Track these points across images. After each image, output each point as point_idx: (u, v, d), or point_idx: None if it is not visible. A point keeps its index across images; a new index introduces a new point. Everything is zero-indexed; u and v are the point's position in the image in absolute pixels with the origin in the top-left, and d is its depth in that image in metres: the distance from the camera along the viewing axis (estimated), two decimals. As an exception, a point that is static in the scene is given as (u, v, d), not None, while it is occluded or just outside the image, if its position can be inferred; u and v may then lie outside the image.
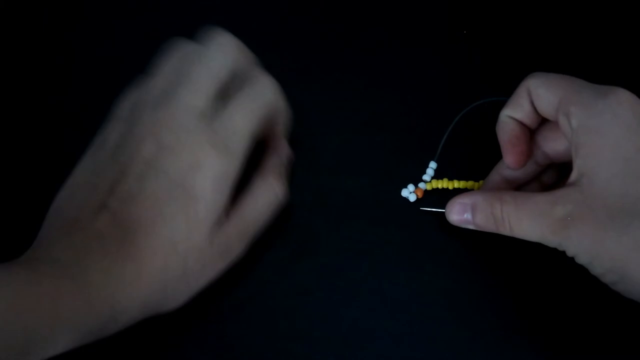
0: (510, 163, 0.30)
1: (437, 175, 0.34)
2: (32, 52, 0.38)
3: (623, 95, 0.26)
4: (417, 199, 0.33)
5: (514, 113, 0.30)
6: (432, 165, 0.34)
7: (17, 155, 0.35)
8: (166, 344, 0.29)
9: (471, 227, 0.29)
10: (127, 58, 0.38)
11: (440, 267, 0.31)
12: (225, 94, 0.29)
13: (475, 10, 0.40)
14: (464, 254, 0.32)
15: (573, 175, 0.27)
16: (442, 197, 0.33)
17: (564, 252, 0.27)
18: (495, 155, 0.32)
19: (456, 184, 0.33)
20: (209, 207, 0.27)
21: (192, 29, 0.31)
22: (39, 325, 0.23)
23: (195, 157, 0.27)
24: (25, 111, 0.36)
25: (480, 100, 0.34)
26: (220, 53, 0.29)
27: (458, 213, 0.29)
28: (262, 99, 0.30)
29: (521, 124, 0.30)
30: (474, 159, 0.34)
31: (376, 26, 0.39)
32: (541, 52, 0.38)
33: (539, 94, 0.29)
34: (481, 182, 0.33)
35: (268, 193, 0.30)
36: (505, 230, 0.28)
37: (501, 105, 0.31)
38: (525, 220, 0.27)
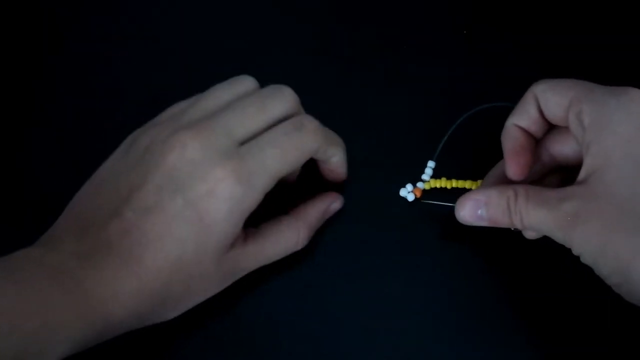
0: (511, 174, 0.30)
1: (436, 175, 0.34)
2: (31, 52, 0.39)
3: (636, 94, 0.26)
4: (416, 199, 0.33)
5: (520, 121, 0.30)
6: (431, 164, 0.34)
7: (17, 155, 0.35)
8: (164, 343, 0.30)
9: (483, 223, 0.29)
10: (127, 57, 0.38)
11: (439, 265, 0.31)
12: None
13: (475, 10, 0.40)
14: (463, 252, 0.32)
15: (582, 174, 0.26)
16: (440, 197, 0.33)
17: (567, 251, 0.26)
18: (492, 156, 0.32)
19: (454, 183, 0.33)
20: (220, 237, 0.27)
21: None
22: (30, 335, 0.22)
23: (215, 183, 0.26)
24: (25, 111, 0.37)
25: (484, 105, 0.34)
26: (277, 99, 0.29)
27: (471, 209, 0.29)
28: (300, 142, 0.29)
29: (527, 132, 0.30)
30: (471, 159, 0.34)
31: (376, 26, 0.39)
32: (542, 52, 0.38)
33: (547, 97, 0.28)
34: (479, 181, 0.33)
35: (292, 239, 0.30)
36: (517, 222, 0.28)
37: (503, 109, 0.30)
38: (534, 213, 0.27)
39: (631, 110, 0.26)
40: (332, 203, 0.32)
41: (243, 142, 0.27)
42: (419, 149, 0.34)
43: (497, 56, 0.38)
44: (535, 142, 0.30)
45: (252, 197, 0.27)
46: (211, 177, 0.26)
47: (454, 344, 0.30)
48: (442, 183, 0.33)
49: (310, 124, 0.29)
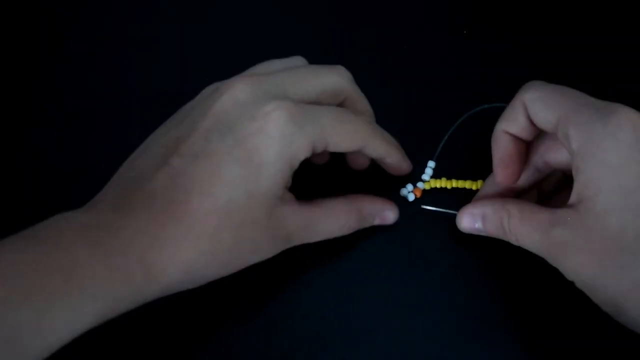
0: (499, 181, 0.30)
1: (436, 175, 0.34)
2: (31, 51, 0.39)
3: (625, 117, 0.24)
4: (416, 199, 0.33)
5: (509, 127, 0.29)
6: (431, 164, 0.34)
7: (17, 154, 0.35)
8: (165, 343, 0.30)
9: (484, 234, 0.30)
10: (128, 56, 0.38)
11: (439, 266, 0.31)
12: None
13: (475, 10, 0.40)
14: (463, 253, 0.32)
15: (573, 198, 0.26)
16: (440, 197, 0.33)
17: None
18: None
19: (454, 183, 0.33)
20: (270, 181, 0.25)
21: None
22: (54, 293, 0.21)
23: (265, 120, 0.25)
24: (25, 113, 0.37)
25: (485, 105, 0.34)
26: (332, 71, 0.29)
27: (469, 222, 0.30)
28: (354, 126, 0.28)
29: (517, 138, 0.29)
30: (472, 159, 0.34)
31: (376, 26, 0.39)
32: (542, 52, 0.38)
33: (535, 111, 0.27)
34: (480, 182, 0.33)
35: (342, 219, 0.29)
36: (512, 241, 0.28)
37: (503, 109, 0.30)
38: (527, 236, 0.27)
39: (619, 138, 0.24)
40: (389, 210, 0.31)
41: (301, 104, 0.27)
42: (419, 149, 0.34)
43: (497, 56, 0.38)
44: (526, 145, 0.30)
45: (302, 144, 0.26)
46: (261, 114, 0.25)
47: (454, 344, 0.29)
48: (442, 183, 0.33)
49: (369, 119, 0.30)
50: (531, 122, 0.28)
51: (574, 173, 0.26)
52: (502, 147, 0.29)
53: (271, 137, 0.25)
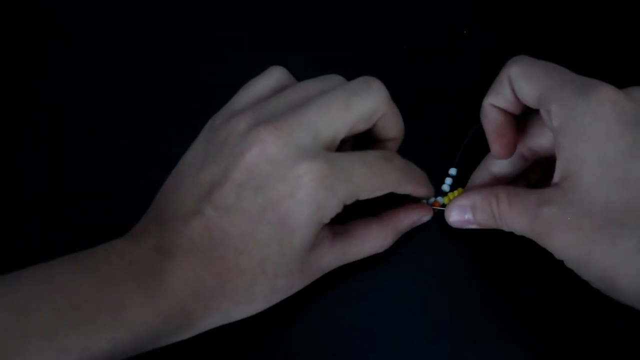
0: (497, 153, 0.30)
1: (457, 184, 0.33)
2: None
3: (605, 93, 0.25)
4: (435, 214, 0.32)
5: (497, 101, 0.29)
6: (452, 172, 0.33)
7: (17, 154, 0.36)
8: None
9: (473, 226, 0.30)
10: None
11: (440, 266, 0.31)
12: (357, 134, 0.28)
13: (475, 10, 0.39)
14: (464, 252, 0.32)
15: (556, 176, 0.26)
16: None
17: None
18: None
19: None
20: (303, 241, 0.26)
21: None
22: (101, 326, 0.22)
23: (296, 183, 0.25)
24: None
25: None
26: (364, 93, 0.27)
27: (459, 214, 0.30)
28: (387, 174, 0.28)
29: (505, 112, 0.29)
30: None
31: (376, 26, 0.39)
32: (541, 53, 0.37)
33: (520, 85, 0.27)
34: None
35: (378, 242, 0.30)
36: (503, 226, 0.28)
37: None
38: (517, 219, 0.27)
39: (599, 114, 0.25)
40: (423, 216, 0.32)
41: (328, 145, 0.26)
42: (427, 158, 0.33)
43: (498, 56, 0.37)
44: (515, 119, 0.30)
45: (333, 205, 0.26)
46: (292, 176, 0.25)
47: (453, 344, 0.29)
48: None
49: (398, 160, 0.29)
50: (517, 97, 0.28)
51: (556, 151, 0.26)
52: (492, 119, 0.29)
53: (303, 204, 0.25)
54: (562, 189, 0.25)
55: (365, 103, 0.27)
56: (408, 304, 0.30)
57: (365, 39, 0.38)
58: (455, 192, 0.32)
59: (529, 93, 0.27)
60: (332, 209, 0.26)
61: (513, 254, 0.31)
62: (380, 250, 0.30)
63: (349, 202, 0.27)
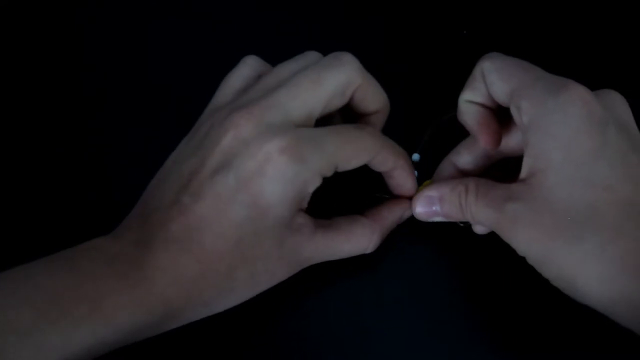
0: (486, 143, 0.29)
1: (422, 174, 0.33)
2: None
3: (575, 93, 0.25)
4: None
5: (473, 97, 0.29)
6: (415, 157, 0.34)
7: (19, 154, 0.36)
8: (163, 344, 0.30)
9: (438, 219, 0.30)
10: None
11: (438, 266, 0.31)
12: (331, 112, 0.28)
13: (475, 10, 0.39)
14: (464, 252, 0.32)
15: (523, 172, 0.26)
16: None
17: None
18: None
19: None
20: (277, 220, 0.26)
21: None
22: (81, 320, 0.22)
23: (265, 160, 0.25)
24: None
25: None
26: (335, 69, 0.27)
27: (425, 206, 0.30)
28: (361, 140, 0.28)
29: (483, 105, 0.29)
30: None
31: (375, 26, 0.39)
32: (541, 52, 0.37)
33: (492, 80, 0.28)
34: None
35: (364, 239, 0.29)
36: (469, 218, 0.28)
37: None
38: (483, 211, 0.27)
39: (569, 113, 0.25)
40: (406, 210, 0.31)
41: (302, 124, 0.26)
42: (415, 151, 0.34)
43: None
44: (493, 113, 0.30)
45: (308, 178, 0.26)
46: (261, 153, 0.25)
47: (453, 344, 0.30)
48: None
49: (373, 130, 0.29)
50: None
51: (524, 148, 0.26)
52: (472, 113, 0.29)
53: (274, 181, 0.25)
54: (527, 186, 0.25)
55: (336, 77, 0.27)
56: (407, 302, 0.31)
57: (364, 39, 0.39)
58: (424, 185, 0.32)
59: (500, 89, 0.27)
60: (309, 182, 0.26)
61: (513, 254, 0.31)
62: (368, 251, 0.30)
63: (327, 173, 0.26)
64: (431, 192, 0.30)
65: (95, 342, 0.23)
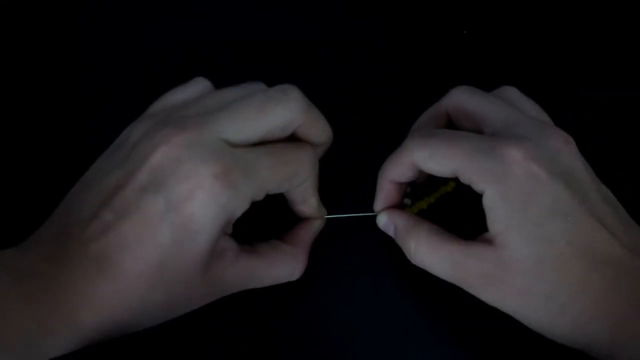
0: (377, 209, 0.31)
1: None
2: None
3: (516, 156, 0.25)
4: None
5: (398, 179, 0.30)
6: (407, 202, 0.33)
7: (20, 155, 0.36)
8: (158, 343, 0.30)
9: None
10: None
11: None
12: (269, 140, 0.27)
13: (475, 10, 0.39)
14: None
15: (488, 233, 0.27)
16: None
17: None
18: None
19: (435, 196, 0.33)
20: (204, 245, 0.25)
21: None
22: None
23: (198, 184, 0.24)
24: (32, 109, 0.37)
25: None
26: (280, 103, 0.26)
27: (386, 226, 0.31)
28: (298, 161, 0.27)
29: (400, 182, 0.30)
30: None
31: (375, 26, 0.39)
32: (541, 52, 0.37)
33: (430, 167, 0.28)
34: (451, 183, 0.33)
35: (289, 266, 0.29)
36: (418, 264, 0.29)
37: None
38: (437, 264, 0.28)
39: (516, 174, 0.25)
40: (316, 221, 0.31)
41: (237, 145, 0.25)
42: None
43: (497, 58, 0.38)
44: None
45: (238, 204, 0.25)
46: (194, 177, 0.24)
47: (453, 344, 0.30)
48: (423, 204, 0.33)
49: (310, 149, 0.28)
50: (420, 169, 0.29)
51: (485, 210, 0.27)
52: (387, 190, 0.30)
53: (206, 206, 0.24)
54: (492, 246, 0.26)
55: (280, 112, 0.26)
56: (406, 302, 0.31)
57: (363, 39, 0.39)
58: (422, 202, 0.33)
59: (441, 171, 0.28)
60: (238, 207, 0.25)
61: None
62: (293, 278, 0.29)
63: (257, 197, 0.26)
64: (392, 216, 0.30)
65: None
